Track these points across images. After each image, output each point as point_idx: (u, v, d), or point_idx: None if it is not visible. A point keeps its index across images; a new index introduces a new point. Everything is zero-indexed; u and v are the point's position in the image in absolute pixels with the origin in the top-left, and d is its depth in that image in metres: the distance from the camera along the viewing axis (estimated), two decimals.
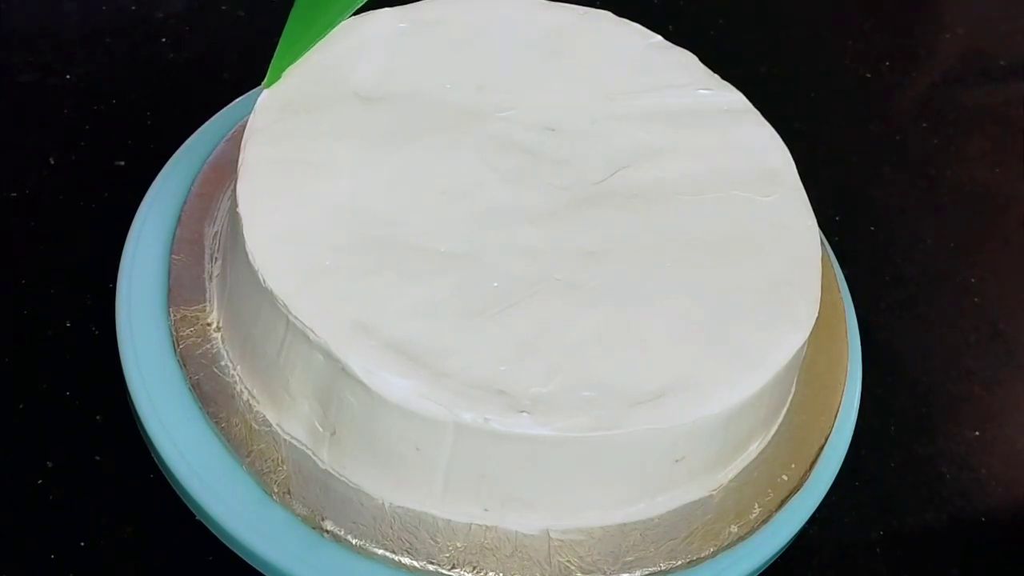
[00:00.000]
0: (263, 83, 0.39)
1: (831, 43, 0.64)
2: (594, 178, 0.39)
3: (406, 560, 0.34)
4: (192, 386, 0.37)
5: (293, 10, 0.39)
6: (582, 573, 0.34)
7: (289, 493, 0.35)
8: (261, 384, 0.36)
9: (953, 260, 0.54)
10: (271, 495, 0.35)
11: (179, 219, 0.41)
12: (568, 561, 0.35)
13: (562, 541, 0.35)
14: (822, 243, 0.42)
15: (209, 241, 0.40)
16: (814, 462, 0.39)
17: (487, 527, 0.35)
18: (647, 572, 0.35)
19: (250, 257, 0.35)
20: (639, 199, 0.39)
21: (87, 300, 0.43)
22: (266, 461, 0.35)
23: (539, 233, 0.37)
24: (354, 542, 0.34)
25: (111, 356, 0.38)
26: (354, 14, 0.42)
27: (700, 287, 0.37)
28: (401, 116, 0.39)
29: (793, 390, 0.40)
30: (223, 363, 0.37)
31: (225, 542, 0.36)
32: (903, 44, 0.65)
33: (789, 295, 0.37)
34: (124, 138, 0.50)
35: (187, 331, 0.38)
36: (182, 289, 0.39)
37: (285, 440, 0.36)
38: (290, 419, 0.36)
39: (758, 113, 0.43)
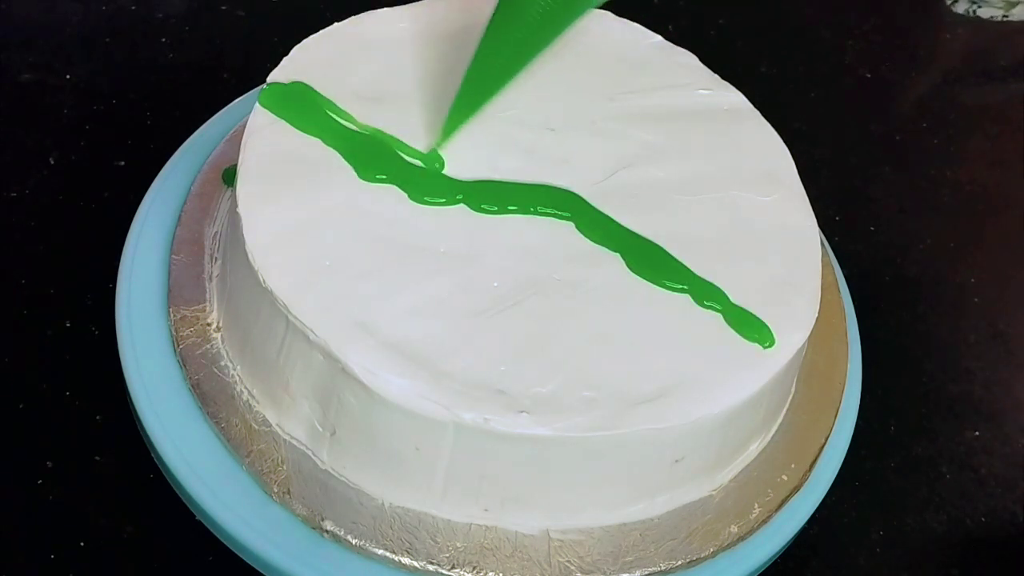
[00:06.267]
0: (435, 143, 0.38)
1: (831, 43, 0.64)
2: (594, 178, 0.39)
3: (406, 560, 0.34)
4: (192, 386, 0.37)
5: (468, 72, 0.39)
6: (582, 573, 0.34)
7: (289, 493, 0.35)
8: (261, 384, 0.36)
9: (953, 260, 0.54)
10: (271, 495, 0.35)
11: (179, 219, 0.41)
12: (568, 561, 0.35)
13: (562, 541, 0.35)
14: (822, 243, 0.42)
15: (209, 241, 0.40)
16: (814, 462, 0.39)
17: (487, 527, 0.35)
18: (647, 572, 0.35)
19: (250, 257, 0.35)
20: (639, 199, 0.39)
21: (87, 300, 0.43)
22: (266, 461, 0.35)
23: (539, 233, 0.37)
24: (354, 542, 0.34)
25: (111, 356, 0.38)
26: (354, 14, 0.42)
27: None
28: (400, 116, 0.39)
29: (793, 390, 0.40)
30: (223, 363, 0.37)
31: (225, 542, 0.36)
32: (903, 44, 0.65)
33: (789, 295, 0.37)
34: (124, 138, 0.50)
35: (187, 331, 0.38)
36: (182, 289, 0.39)
37: (285, 440, 0.36)
38: (290, 419, 0.36)
39: (758, 113, 0.43)
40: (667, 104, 0.42)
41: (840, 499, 0.42)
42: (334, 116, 0.38)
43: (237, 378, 0.37)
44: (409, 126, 0.39)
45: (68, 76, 0.52)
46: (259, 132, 0.38)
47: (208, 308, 0.39)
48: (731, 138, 0.42)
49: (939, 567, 0.43)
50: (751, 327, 0.36)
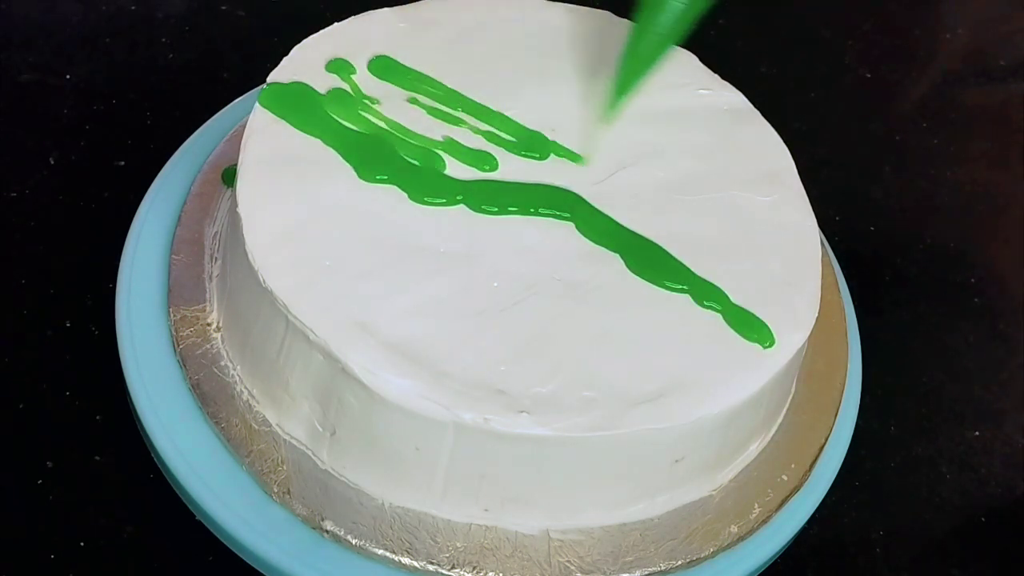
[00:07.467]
0: (602, 120, 0.40)
1: (831, 43, 0.64)
2: (594, 178, 0.39)
3: (406, 560, 0.34)
4: (192, 386, 0.37)
5: (627, 46, 0.39)
6: (582, 573, 0.34)
7: (289, 493, 0.35)
8: (261, 384, 0.36)
9: (953, 260, 0.54)
10: (271, 495, 0.35)
11: (179, 219, 0.41)
12: (568, 561, 0.35)
13: (562, 541, 0.35)
14: (822, 243, 0.42)
15: (209, 241, 0.40)
16: (814, 462, 0.39)
17: (487, 527, 0.35)
18: (647, 572, 0.35)
19: (250, 257, 0.35)
20: (639, 199, 0.39)
21: (87, 300, 0.43)
22: (266, 461, 0.35)
23: (539, 233, 0.37)
24: (354, 542, 0.34)
25: (111, 356, 0.38)
26: (354, 14, 0.42)
27: None
28: (400, 116, 0.39)
29: (793, 390, 0.40)
30: (223, 363, 0.37)
31: (225, 542, 0.36)
32: (903, 44, 0.65)
33: (789, 295, 0.37)
34: (124, 138, 0.50)
35: (187, 331, 0.38)
36: (182, 289, 0.39)
37: (285, 440, 0.36)
38: (290, 419, 0.36)
39: (758, 113, 0.43)
40: (667, 104, 0.42)
41: (840, 499, 0.42)
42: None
43: (237, 378, 0.37)
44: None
45: (68, 76, 0.52)
46: (259, 132, 0.38)
47: (208, 308, 0.39)
48: (731, 138, 0.42)
49: (939, 567, 0.43)
50: (751, 327, 0.36)
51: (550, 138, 0.40)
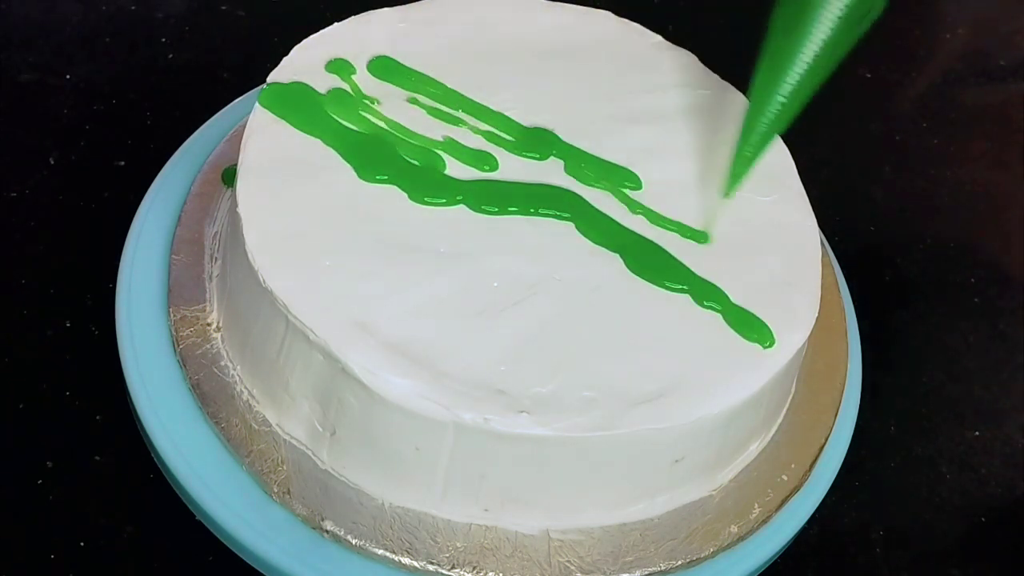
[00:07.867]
0: (723, 192, 0.39)
1: None
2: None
3: (406, 560, 0.34)
4: (192, 386, 0.37)
5: (747, 115, 0.39)
6: (582, 573, 0.34)
7: (289, 493, 0.35)
8: (261, 384, 0.36)
9: (953, 260, 0.54)
10: (271, 495, 0.35)
11: (179, 219, 0.41)
12: (568, 561, 0.35)
13: (562, 541, 0.35)
14: (822, 243, 0.42)
15: (209, 241, 0.40)
16: (814, 462, 0.39)
17: (487, 527, 0.35)
18: (647, 572, 0.35)
19: (250, 257, 0.35)
20: (639, 199, 0.39)
21: (87, 300, 0.43)
22: (266, 461, 0.35)
23: (539, 233, 0.37)
24: (354, 542, 0.34)
25: (111, 356, 0.38)
26: (354, 14, 0.42)
27: None
28: (400, 116, 0.39)
29: (793, 390, 0.40)
30: (223, 363, 0.38)
31: (225, 542, 0.36)
32: (903, 44, 0.65)
33: (789, 295, 0.37)
34: (124, 138, 0.50)
35: (187, 331, 0.38)
36: (182, 289, 0.39)
37: (285, 440, 0.36)
38: (290, 419, 0.36)
39: None
40: (667, 104, 0.42)
41: (840, 499, 0.42)
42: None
43: (237, 378, 0.37)
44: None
45: (68, 76, 0.52)
46: (259, 132, 0.38)
47: (208, 308, 0.39)
48: (731, 138, 0.41)
49: (939, 567, 0.43)
50: (751, 327, 0.36)
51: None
